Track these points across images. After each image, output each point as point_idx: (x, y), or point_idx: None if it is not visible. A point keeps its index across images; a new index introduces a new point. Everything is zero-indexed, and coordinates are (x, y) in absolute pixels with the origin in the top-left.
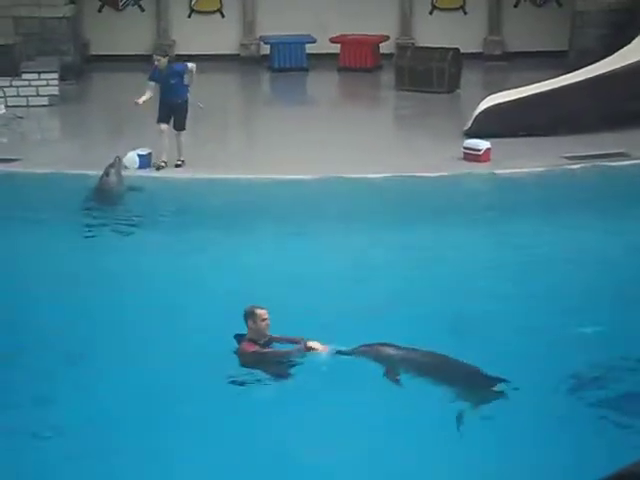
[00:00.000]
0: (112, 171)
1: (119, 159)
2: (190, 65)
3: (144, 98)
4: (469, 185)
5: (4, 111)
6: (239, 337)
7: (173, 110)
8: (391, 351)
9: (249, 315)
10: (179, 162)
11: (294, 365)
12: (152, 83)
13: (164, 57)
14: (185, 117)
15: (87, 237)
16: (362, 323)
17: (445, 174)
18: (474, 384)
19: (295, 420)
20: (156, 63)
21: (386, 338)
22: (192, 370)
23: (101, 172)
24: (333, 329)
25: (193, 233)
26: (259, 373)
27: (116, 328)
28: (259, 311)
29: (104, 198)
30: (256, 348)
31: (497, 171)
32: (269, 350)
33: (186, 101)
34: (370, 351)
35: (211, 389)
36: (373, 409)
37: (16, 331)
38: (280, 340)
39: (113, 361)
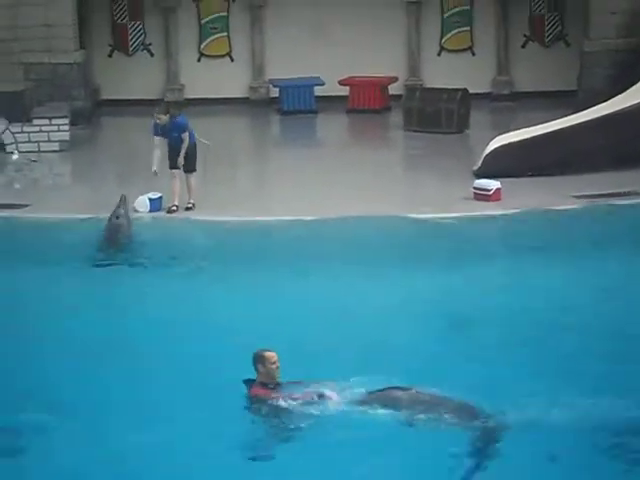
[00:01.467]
0: (121, 212)
1: (125, 198)
2: (184, 136)
3: (156, 162)
4: (482, 225)
5: (17, 156)
6: (248, 382)
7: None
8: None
9: (258, 359)
10: (189, 205)
11: (306, 415)
12: (158, 138)
13: (165, 114)
14: (194, 160)
15: (98, 281)
16: (375, 363)
17: (456, 215)
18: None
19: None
20: (157, 121)
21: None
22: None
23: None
24: (345, 370)
25: (203, 274)
26: (267, 426)
27: (120, 372)
28: (268, 354)
29: (114, 241)
30: (267, 392)
31: (509, 211)
32: (280, 394)
33: (194, 144)
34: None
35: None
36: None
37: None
38: (292, 386)
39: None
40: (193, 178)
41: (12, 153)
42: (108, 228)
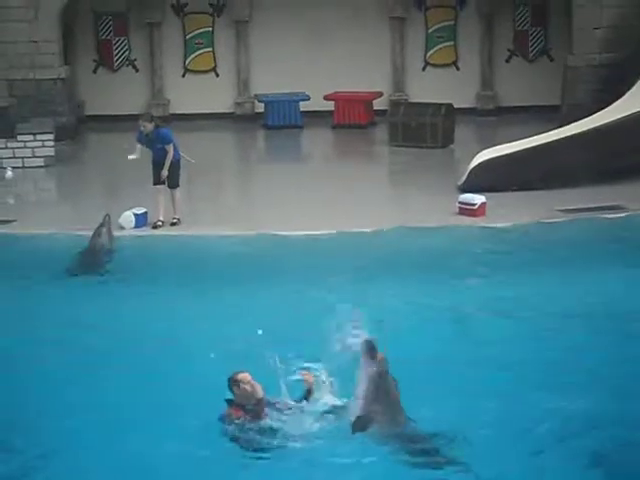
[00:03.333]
0: (103, 231)
1: (108, 217)
2: (168, 148)
3: (133, 156)
4: (467, 239)
5: (10, 173)
6: (229, 402)
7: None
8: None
9: (232, 383)
10: (175, 220)
11: (279, 434)
12: (139, 145)
13: (150, 123)
14: (177, 175)
15: (81, 297)
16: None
17: (441, 229)
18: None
19: None
20: (142, 129)
21: None
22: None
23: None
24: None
25: (188, 290)
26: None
27: (98, 393)
28: (241, 376)
29: (94, 260)
30: (241, 413)
31: (494, 225)
32: (254, 415)
33: (178, 160)
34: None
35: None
36: None
37: None
38: (271, 404)
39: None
40: (177, 193)
41: (5, 169)
42: (89, 248)
